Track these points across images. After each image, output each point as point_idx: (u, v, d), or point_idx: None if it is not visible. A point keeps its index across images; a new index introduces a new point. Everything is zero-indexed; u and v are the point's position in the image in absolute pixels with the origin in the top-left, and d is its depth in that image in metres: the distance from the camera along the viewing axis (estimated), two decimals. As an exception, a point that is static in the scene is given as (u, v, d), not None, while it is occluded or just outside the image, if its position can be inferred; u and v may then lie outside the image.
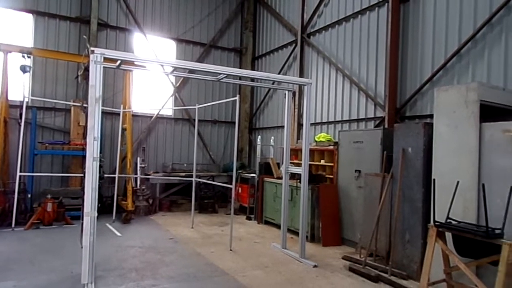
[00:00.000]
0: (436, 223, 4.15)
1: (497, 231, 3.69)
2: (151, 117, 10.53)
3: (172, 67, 5.68)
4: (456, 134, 4.55)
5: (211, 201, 9.88)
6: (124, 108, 8.70)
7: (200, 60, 11.10)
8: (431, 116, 4.98)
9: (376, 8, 7.49)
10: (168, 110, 10.89)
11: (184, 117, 11.17)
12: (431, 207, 4.28)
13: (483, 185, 3.95)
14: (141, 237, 6.87)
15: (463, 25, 5.98)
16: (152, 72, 9.89)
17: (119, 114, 8.81)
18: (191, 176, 8.34)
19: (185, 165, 10.61)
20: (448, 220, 4.13)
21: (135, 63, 6.43)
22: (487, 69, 5.63)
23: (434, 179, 4.53)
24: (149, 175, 9.71)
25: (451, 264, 4.23)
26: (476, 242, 3.82)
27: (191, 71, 7.38)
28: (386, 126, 6.80)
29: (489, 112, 4.62)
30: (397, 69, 6.99)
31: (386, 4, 7.13)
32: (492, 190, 4.06)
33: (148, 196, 9.32)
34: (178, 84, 10.99)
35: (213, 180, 9.93)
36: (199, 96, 11.29)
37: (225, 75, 5.63)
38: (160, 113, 10.66)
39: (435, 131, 4.83)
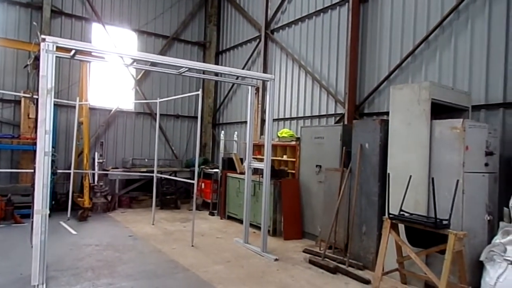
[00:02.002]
0: (390, 216, 4.35)
1: (445, 222, 3.93)
2: (110, 110, 10.14)
3: (132, 59, 5.46)
4: (409, 131, 4.78)
5: (173, 197, 9.71)
6: (81, 100, 8.29)
7: (163, 53, 10.82)
8: (388, 113, 5.19)
9: (338, 7, 7.67)
10: (128, 103, 10.53)
11: (146, 111, 10.86)
12: (386, 200, 4.48)
13: (433, 179, 4.20)
14: (98, 235, 6.62)
15: (417, 27, 6.27)
16: (111, 64, 9.49)
17: (75, 107, 8.39)
18: (152, 171, 8.14)
19: (146, 160, 10.34)
20: (401, 213, 4.35)
21: (93, 53, 6.14)
22: (438, 69, 5.96)
23: (388, 174, 4.75)
24: (107, 170, 9.36)
25: (404, 254, 4.47)
26: (425, 233, 4.05)
27: (153, 64, 7.16)
28: (346, 122, 7.01)
29: (439, 110, 4.90)
30: (356, 68, 7.21)
31: (347, 4, 7.32)
32: (440, 183, 4.32)
33: (106, 192, 8.98)
34: (139, 77, 10.66)
35: (176, 176, 9.73)
36: (161, 89, 11.02)
37: (187, 69, 5.52)
38: (120, 106, 10.30)
39: (390, 128, 5.05)
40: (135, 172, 9.51)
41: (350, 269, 5.13)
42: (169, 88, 11.21)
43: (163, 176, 8.61)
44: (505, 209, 4.46)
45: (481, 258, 4.20)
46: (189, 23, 11.65)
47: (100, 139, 9.86)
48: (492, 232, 4.53)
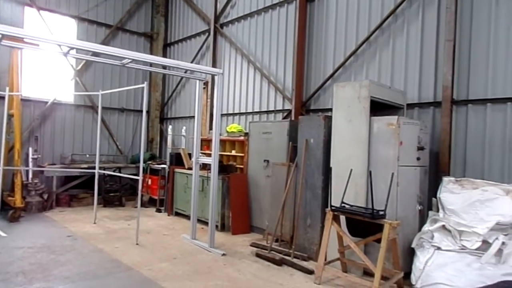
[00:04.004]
0: (332, 208, 4.55)
1: (381, 213, 4.19)
2: (47, 102, 9.42)
3: (70, 47, 5.10)
4: (350, 127, 5.00)
5: (118, 194, 9.30)
6: (11, 91, 7.59)
7: (106, 42, 10.26)
8: (332, 109, 5.39)
9: (286, 5, 7.80)
10: (67, 95, 9.86)
11: (87, 103, 10.24)
12: (329, 193, 4.67)
13: (370, 172, 4.45)
14: (32, 236, 6.14)
15: (360, 28, 6.58)
16: (48, 53, 8.81)
17: (4, 98, 7.66)
18: (94, 168, 7.71)
19: (87, 156, 9.76)
20: (343, 205, 4.56)
21: (25, 40, 5.64)
22: (378, 68, 6.31)
23: (331, 168, 4.95)
24: (43, 167, 8.71)
25: (344, 244, 4.69)
26: (364, 223, 4.29)
27: (95, 54, 6.77)
28: (293, 118, 7.17)
29: (378, 107, 5.20)
30: (303, 65, 7.40)
31: (294, 2, 7.47)
32: (378, 176, 4.59)
33: (42, 190, 8.35)
34: (79, 68, 10.01)
35: (120, 172, 9.36)
36: (105, 81, 10.45)
37: (130, 60, 5.29)
38: (58, 98, 9.61)
39: (333, 124, 5.25)
40: (74, 168, 8.95)
41: (295, 260, 5.29)
42: (113, 80, 10.68)
43: (106, 172, 8.20)
44: (434, 199, 4.87)
45: (413, 245, 4.54)
46: (135, 13, 11.16)
47: (35, 133, 9.13)
48: (422, 220, 4.91)
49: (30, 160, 8.44)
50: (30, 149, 8.61)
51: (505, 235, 4.02)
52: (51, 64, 9.61)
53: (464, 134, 5.29)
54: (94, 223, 7.25)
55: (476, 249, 4.05)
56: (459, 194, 4.53)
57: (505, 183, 4.47)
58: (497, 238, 3.99)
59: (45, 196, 8.43)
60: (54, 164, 9.14)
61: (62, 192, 9.02)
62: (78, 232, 6.54)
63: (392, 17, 6.10)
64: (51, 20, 9.50)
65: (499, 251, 3.90)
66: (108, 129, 10.59)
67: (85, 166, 9.03)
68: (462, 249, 4.14)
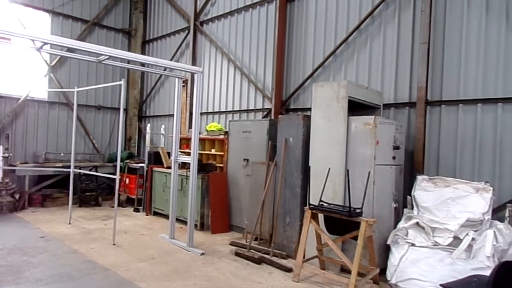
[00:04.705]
0: (311, 206, 4.60)
1: (358, 210, 4.27)
2: (18, 99, 9.09)
3: (43, 42, 4.94)
4: (329, 126, 5.07)
5: (94, 193, 9.09)
6: (-19, 87, 7.29)
7: (82, 38, 9.99)
8: (311, 109, 5.45)
9: (266, 4, 7.82)
10: (41, 92, 9.54)
11: (62, 101, 9.95)
12: (308, 191, 4.72)
13: (347, 171, 4.53)
14: (2, 238, 5.92)
15: (338, 29, 6.67)
16: (20, 47, 8.50)
17: (-27, 94, 7.36)
18: (69, 166, 7.50)
19: (62, 154, 9.48)
20: (321, 203, 4.62)
21: (-6, 34, 5.42)
22: (356, 69, 6.42)
23: (310, 166, 5.00)
24: (15, 166, 8.40)
25: (322, 241, 4.75)
26: (341, 221, 4.36)
27: (70, 50, 6.58)
28: (272, 117, 7.20)
29: (356, 107, 5.29)
30: (283, 64, 7.45)
31: (274, 2, 7.50)
32: (355, 175, 4.68)
33: (13, 190, 8.06)
34: (53, 63, 9.71)
35: (97, 171, 9.13)
36: (81, 78, 10.19)
37: (107, 57, 5.18)
38: (31, 95, 9.29)
39: (312, 123, 5.30)
40: (48, 167, 8.68)
41: (274, 258, 5.32)
42: (90, 77, 10.42)
43: (81, 171, 7.99)
44: (408, 197, 5.01)
45: (388, 242, 4.65)
46: (113, 8, 10.92)
47: (5, 131, 8.79)
48: (398, 218, 5.03)
49: (1, 158, 8.13)
50: (1, 147, 8.29)
51: (475, 231, 4.18)
52: (24, 59, 9.27)
53: (437, 133, 5.46)
54: (69, 223, 7.06)
55: (447, 245, 4.19)
56: (432, 192, 4.68)
57: (475, 181, 4.65)
58: (467, 234, 4.14)
59: (17, 196, 8.14)
60: (27, 163, 8.84)
61: (35, 192, 8.73)
62: (52, 233, 6.35)
63: (369, 18, 6.22)
64: (24, 14, 9.16)
65: (469, 247, 4.05)
66: (84, 127, 10.33)
67: (60, 165, 8.77)
68: (434, 245, 4.28)
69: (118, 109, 10.75)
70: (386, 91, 5.97)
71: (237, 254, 5.51)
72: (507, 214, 4.42)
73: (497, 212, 4.66)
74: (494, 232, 4.01)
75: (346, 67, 6.56)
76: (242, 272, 4.85)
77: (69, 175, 7.36)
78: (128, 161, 9.40)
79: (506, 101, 4.87)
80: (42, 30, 9.49)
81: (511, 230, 4.19)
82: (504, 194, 4.80)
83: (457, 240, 4.17)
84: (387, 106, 5.91)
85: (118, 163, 6.16)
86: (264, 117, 7.70)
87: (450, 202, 4.48)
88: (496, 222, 4.33)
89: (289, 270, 4.92)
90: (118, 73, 10.95)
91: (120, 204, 8.68)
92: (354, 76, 6.41)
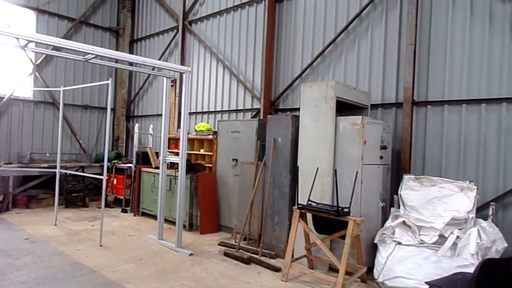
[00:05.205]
0: (299, 206, 4.62)
1: (345, 210, 4.30)
2: (3, 98, 8.90)
3: (28, 40, 4.85)
4: (317, 126, 5.10)
5: (81, 194, 8.96)
6: (-37, 85, 7.12)
7: (68, 36, 9.84)
8: (300, 109, 5.47)
9: (255, 4, 7.82)
10: (26, 91, 9.36)
11: (48, 100, 9.78)
12: (296, 191, 4.74)
13: (335, 170, 4.56)
14: (-14, 240, 5.80)
15: (327, 30, 6.71)
16: (4, 45, 8.32)
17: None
18: (55, 167, 7.37)
19: (47, 154, 9.31)
20: (309, 202, 4.64)
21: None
22: (344, 69, 6.47)
23: (298, 166, 5.03)
24: (-1, 166, 8.22)
25: (311, 241, 4.78)
26: (330, 220, 4.39)
27: (56, 48, 6.47)
28: (261, 117, 7.21)
29: (344, 107, 5.34)
30: (272, 65, 7.46)
31: (263, 2, 7.52)
32: (343, 174, 4.72)
33: (-3, 191, 7.90)
34: (39, 62, 9.53)
35: (83, 171, 9.01)
36: (67, 77, 10.04)
37: (94, 56, 5.11)
38: (15, 94, 9.11)
39: (301, 123, 5.33)
40: (33, 167, 8.52)
41: (263, 258, 5.32)
42: (76, 76, 10.26)
43: (68, 172, 7.86)
44: (395, 196, 5.07)
45: (375, 241, 4.70)
46: (100, 6, 10.78)
47: (-11, 130, 8.62)
48: (385, 217, 5.09)
49: (-16, 159, 7.96)
50: (-16, 148, 8.12)
51: (460, 229, 4.26)
52: (8, 58, 9.09)
53: (423, 133, 5.54)
54: (55, 224, 6.94)
55: (433, 243, 4.26)
56: (419, 191, 4.76)
57: (460, 180, 4.74)
58: (452, 232, 4.22)
59: (1, 197, 7.97)
60: (11, 163, 8.66)
61: (19, 193, 8.56)
62: (37, 235, 6.23)
63: (357, 20, 6.28)
64: (8, 12, 8.98)
65: (454, 245, 4.13)
66: (70, 127, 10.18)
67: (45, 165, 8.62)
68: (420, 243, 4.34)
69: (106, 108, 10.65)
70: (374, 91, 6.03)
71: (226, 254, 5.50)
72: (490, 213, 4.51)
73: (481, 211, 4.75)
74: (478, 230, 4.10)
75: (334, 67, 6.61)
76: (231, 272, 4.84)
77: (55, 175, 7.24)
78: (115, 161, 9.30)
79: (489, 102, 4.98)
80: (27, 28, 9.32)
81: (494, 228, 4.29)
82: (487, 193, 4.90)
83: (442, 239, 4.24)
84: (374, 106, 5.97)
85: (105, 163, 6.08)
86: (253, 117, 7.70)
87: (435, 201, 4.56)
88: (480, 220, 4.42)
89: (277, 269, 4.94)
90: (105, 72, 10.81)
91: (107, 205, 8.58)
92: (342, 77, 6.46)
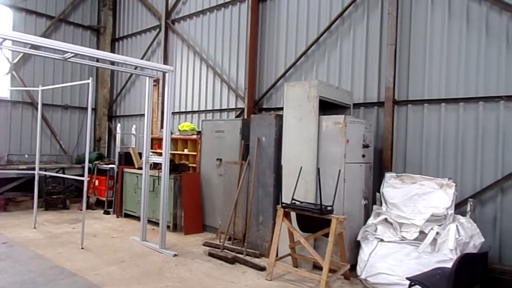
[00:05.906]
0: (283, 204, 4.64)
1: (329, 208, 4.35)
2: (-22, 98, 8.63)
3: (3, 38, 4.70)
4: (300, 125, 5.13)
5: (61, 196, 8.75)
6: None
7: (47, 35, 9.61)
8: (283, 108, 5.49)
9: (238, 3, 7.80)
10: (2, 90, 9.08)
11: (25, 100, 9.52)
12: (280, 190, 4.75)
13: (318, 169, 4.60)
14: (-39, 245, 5.60)
15: (310, 30, 6.76)
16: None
17: None
18: (33, 168, 7.17)
19: (26, 156, 9.07)
20: (293, 201, 4.67)
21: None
22: (327, 69, 6.53)
23: (282, 165, 5.05)
24: (-25, 169, 7.96)
25: (295, 239, 4.81)
26: (313, 219, 4.43)
27: (33, 47, 6.30)
28: (245, 116, 7.21)
29: (326, 107, 5.39)
30: (255, 64, 7.46)
31: (246, 1, 7.51)
32: (326, 173, 4.76)
33: (-27, 194, 7.64)
34: (16, 61, 9.27)
35: (64, 173, 8.81)
36: (46, 76, 9.79)
37: (73, 54, 4.99)
38: (-9, 94, 8.85)
39: (284, 122, 5.34)
40: (11, 169, 8.28)
41: (247, 258, 5.32)
42: (56, 75, 10.03)
43: (47, 173, 7.67)
44: (377, 194, 5.15)
45: (358, 238, 4.77)
46: (80, 4, 10.55)
47: (-36, 131, 8.33)
48: (367, 214, 5.16)
49: (-41, 161, 7.68)
50: (-41, 149, 7.84)
51: (439, 225, 4.36)
52: (-17, 56, 8.81)
53: (404, 132, 5.64)
54: (34, 227, 6.76)
55: (414, 240, 4.35)
56: (400, 189, 4.84)
57: (440, 178, 4.85)
58: (432, 229, 4.31)
59: (-23, 201, 7.73)
60: (-13, 166, 8.39)
61: (-3, 196, 8.31)
62: (15, 238, 6.06)
63: (339, 20, 6.34)
64: (-17, 8, 8.72)
65: (434, 241, 4.22)
66: (50, 127, 9.94)
67: (24, 167, 8.40)
68: (402, 240, 4.43)
69: (87, 108, 10.45)
70: (356, 91, 6.11)
71: (211, 254, 5.48)
72: (468, 209, 4.63)
73: (460, 207, 4.88)
74: (457, 226, 4.20)
75: (317, 67, 6.66)
76: (216, 273, 4.83)
77: (34, 177, 7.05)
78: (97, 162, 9.13)
79: (467, 101, 5.11)
80: (3, 25, 9.04)
81: (472, 224, 4.40)
82: (465, 189, 5.03)
83: (422, 235, 4.33)
84: (356, 105, 6.05)
85: (86, 164, 5.96)
86: (237, 116, 7.69)
87: (416, 198, 4.65)
88: (459, 216, 4.53)
89: (262, 269, 4.94)
90: (86, 72, 10.60)
91: (89, 207, 8.41)
92: (325, 76, 6.51)
